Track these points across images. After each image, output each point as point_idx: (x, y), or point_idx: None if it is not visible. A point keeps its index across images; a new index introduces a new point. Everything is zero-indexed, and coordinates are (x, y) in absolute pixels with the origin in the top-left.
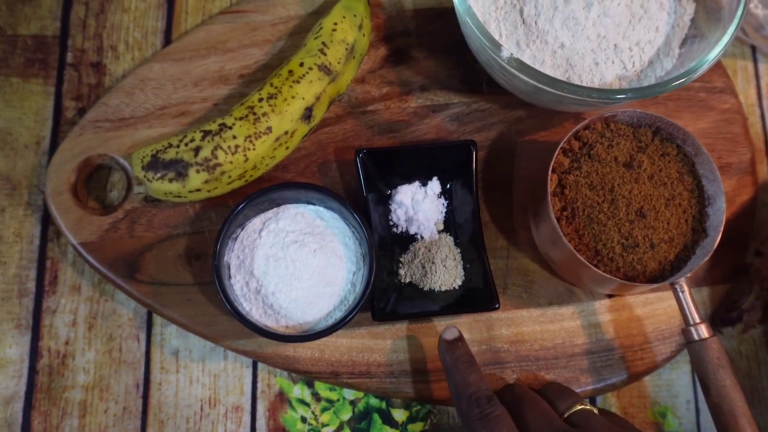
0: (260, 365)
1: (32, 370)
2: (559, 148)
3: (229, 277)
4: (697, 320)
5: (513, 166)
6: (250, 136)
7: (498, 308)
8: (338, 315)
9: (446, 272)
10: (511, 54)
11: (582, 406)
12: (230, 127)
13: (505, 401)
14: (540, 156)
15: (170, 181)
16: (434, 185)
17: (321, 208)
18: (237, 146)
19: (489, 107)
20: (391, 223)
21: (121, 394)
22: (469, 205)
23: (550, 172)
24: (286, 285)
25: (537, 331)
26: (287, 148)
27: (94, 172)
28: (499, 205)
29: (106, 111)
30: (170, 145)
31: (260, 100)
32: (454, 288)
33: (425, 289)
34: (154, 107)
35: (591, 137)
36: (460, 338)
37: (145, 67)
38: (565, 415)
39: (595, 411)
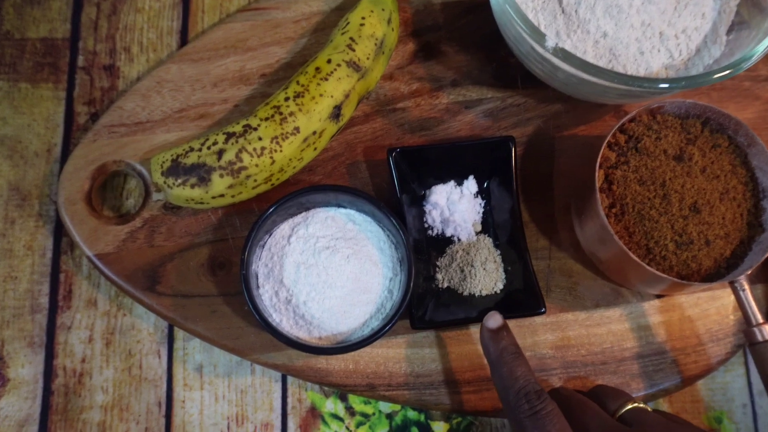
0: (290, 379)
1: (47, 391)
2: (605, 142)
3: (258, 286)
4: (760, 320)
5: (552, 162)
6: (276, 137)
7: (544, 312)
8: (375, 324)
9: (486, 276)
10: (557, 43)
11: (634, 405)
12: (255, 128)
13: None
14: (581, 151)
15: (192, 186)
16: (470, 184)
17: (353, 211)
18: (263, 148)
19: (525, 102)
20: (425, 225)
21: (143, 414)
22: (508, 204)
23: (597, 168)
24: (318, 294)
25: (583, 335)
26: (315, 149)
27: (109, 179)
28: (539, 203)
29: (121, 115)
30: (191, 149)
31: (286, 99)
32: (495, 292)
33: (464, 294)
34: (172, 110)
35: (637, 130)
36: (504, 327)
37: (162, 68)
38: (618, 415)
39: (649, 409)
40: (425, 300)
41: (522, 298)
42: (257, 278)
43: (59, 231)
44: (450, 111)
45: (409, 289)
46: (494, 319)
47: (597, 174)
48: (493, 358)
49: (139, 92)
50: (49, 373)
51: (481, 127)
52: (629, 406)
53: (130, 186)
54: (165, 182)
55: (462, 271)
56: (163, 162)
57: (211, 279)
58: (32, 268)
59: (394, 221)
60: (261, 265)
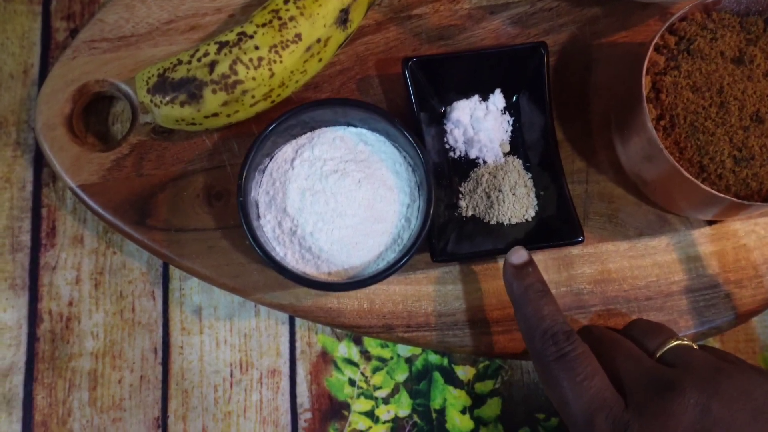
0: (298, 321)
1: (32, 337)
2: (652, 44)
3: (258, 216)
4: None
5: (589, 74)
6: (275, 46)
7: (582, 241)
8: (391, 257)
9: (516, 202)
10: None
11: (677, 342)
12: (251, 36)
13: None
14: (622, 60)
15: (182, 104)
16: (497, 99)
17: (364, 130)
18: (260, 59)
19: (557, 6)
20: (447, 146)
21: (137, 361)
22: (540, 121)
23: (643, 73)
24: (326, 223)
25: (626, 267)
26: (320, 60)
27: (93, 102)
28: (574, 120)
29: (102, 29)
30: (180, 62)
31: (286, 1)
32: (525, 220)
33: (491, 222)
34: (159, 22)
35: (689, 30)
36: (530, 262)
37: None
38: (657, 354)
39: (695, 346)
40: (447, 230)
41: (557, 225)
42: (257, 207)
43: (40, 161)
44: (473, 17)
45: (428, 217)
46: (518, 255)
47: (643, 80)
48: (517, 297)
49: (122, 2)
50: (33, 317)
51: (508, 35)
52: (672, 344)
53: (116, 110)
54: (152, 101)
55: (488, 197)
56: (149, 78)
57: (207, 211)
58: (11, 203)
59: (411, 140)
60: (261, 192)
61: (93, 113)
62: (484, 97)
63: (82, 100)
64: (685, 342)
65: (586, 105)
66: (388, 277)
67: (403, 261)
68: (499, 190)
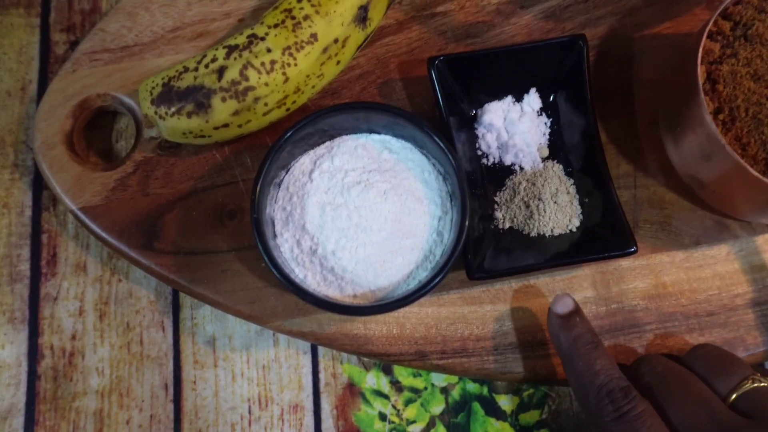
0: (321, 350)
1: (33, 375)
2: (706, 31)
3: (275, 235)
4: None
5: (632, 69)
6: (289, 48)
7: (635, 252)
8: (422, 276)
9: (558, 211)
10: None
11: (753, 384)
12: (263, 38)
13: (643, 384)
14: (667, 53)
15: (189, 115)
16: (532, 99)
17: (388, 137)
18: (273, 62)
19: None
20: (479, 152)
21: (146, 399)
22: (581, 121)
23: (699, 62)
24: (350, 241)
25: (683, 279)
26: (338, 62)
27: (95, 118)
28: (617, 120)
29: (104, 39)
30: (186, 69)
31: (300, 0)
32: (569, 231)
33: (532, 234)
34: (164, 29)
35: (745, 14)
36: (576, 311)
37: None
38: (731, 399)
39: None
40: (483, 244)
41: (605, 236)
42: (273, 225)
43: (39, 184)
44: (502, 13)
45: (464, 230)
46: (563, 303)
47: (699, 70)
48: (565, 350)
49: (123, 10)
50: (34, 353)
51: (541, 30)
52: (747, 387)
53: (120, 126)
54: (156, 113)
55: (527, 206)
56: (153, 87)
57: (219, 231)
58: (9, 229)
59: (441, 144)
60: (277, 208)
61: (95, 130)
62: (519, 98)
63: (83, 116)
64: (763, 384)
65: (630, 103)
66: (419, 299)
67: (437, 280)
68: (539, 199)
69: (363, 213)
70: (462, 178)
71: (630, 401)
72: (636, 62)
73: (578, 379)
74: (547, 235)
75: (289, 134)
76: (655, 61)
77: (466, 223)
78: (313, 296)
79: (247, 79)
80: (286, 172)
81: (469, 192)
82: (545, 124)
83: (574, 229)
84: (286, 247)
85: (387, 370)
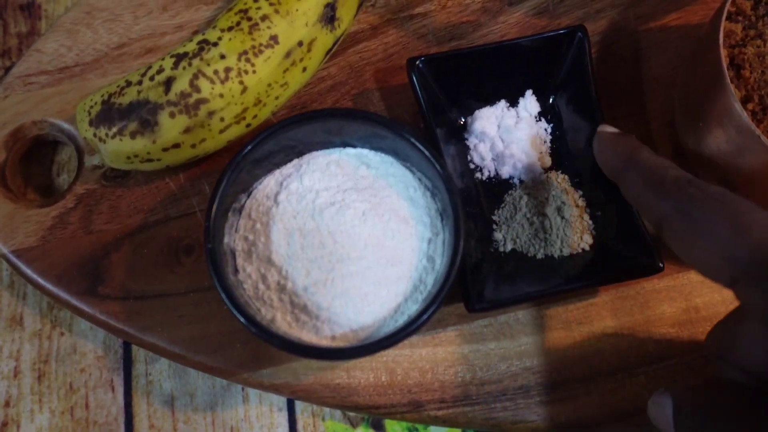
0: (299, 405)
1: None
2: (725, 11)
3: (236, 270)
4: None
5: (639, 65)
6: (245, 53)
7: (662, 270)
8: (412, 309)
9: (566, 227)
10: None
11: None
12: (215, 44)
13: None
14: (678, 46)
15: (133, 135)
16: (529, 103)
17: (365, 151)
18: (228, 70)
19: None
20: (472, 165)
21: None
22: (587, 124)
23: (720, 45)
24: (324, 272)
25: (717, 302)
26: (304, 69)
27: (32, 149)
28: (627, 122)
29: (40, 60)
30: (129, 83)
31: None
32: (582, 250)
33: (538, 256)
34: (109, 47)
35: None
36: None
37: None
38: None
39: None
40: (483, 270)
41: (623, 253)
42: (234, 258)
43: None
44: (488, 11)
45: (458, 253)
46: (609, 127)
47: (722, 54)
48: (622, 160)
49: (62, 28)
50: None
51: (533, 28)
52: None
53: (61, 157)
54: (96, 135)
55: (531, 224)
56: (92, 106)
57: (175, 270)
58: None
59: (427, 154)
60: (238, 238)
61: (33, 163)
62: (513, 102)
63: (17, 147)
64: None
65: (641, 102)
66: (410, 337)
67: (429, 313)
68: (543, 214)
69: (339, 239)
70: (454, 192)
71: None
72: (643, 58)
73: (647, 177)
74: (555, 256)
75: (248, 150)
76: (665, 56)
77: (461, 244)
78: (283, 340)
79: (198, 90)
80: (248, 196)
81: (463, 209)
82: (545, 130)
83: (587, 248)
84: (250, 283)
85: (377, 426)
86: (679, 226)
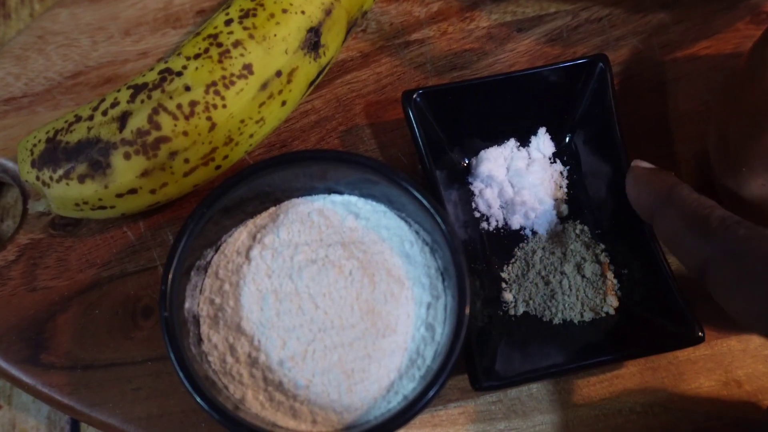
0: None
1: None
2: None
3: (200, 340)
4: None
5: (665, 100)
6: (215, 84)
7: (702, 340)
8: (408, 388)
9: (588, 287)
10: None
11: None
12: (179, 73)
13: None
14: (709, 78)
15: (81, 179)
16: (542, 142)
17: (354, 198)
18: (194, 104)
19: (609, 13)
20: (477, 214)
21: None
22: (609, 168)
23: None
24: (304, 344)
25: (762, 373)
26: (284, 103)
27: None
28: (653, 164)
29: None
30: (78, 118)
31: (228, 22)
32: (605, 314)
33: (555, 322)
34: (62, 75)
35: None
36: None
37: (46, 16)
38: None
39: None
40: (491, 338)
41: (654, 320)
42: (198, 324)
43: None
44: (494, 38)
45: (463, 321)
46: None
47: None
48: (661, 197)
49: (11, 54)
50: None
51: (545, 57)
52: None
53: (6, 201)
54: (39, 178)
55: (546, 283)
56: (35, 145)
57: (130, 335)
58: None
59: (426, 204)
60: (203, 301)
61: None
62: (524, 141)
63: None
64: None
65: (668, 142)
66: (408, 423)
67: (430, 395)
68: (561, 272)
69: (321, 303)
70: (457, 250)
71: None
72: (670, 91)
73: (692, 214)
74: (576, 321)
75: (215, 197)
76: (694, 89)
77: (467, 312)
78: (252, 429)
79: (158, 127)
80: (215, 252)
81: (468, 269)
82: (561, 173)
83: (611, 312)
84: (216, 355)
85: None
86: (727, 273)
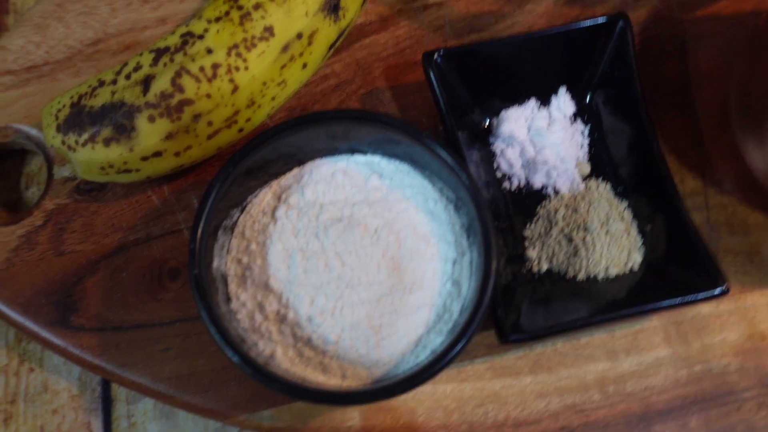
0: None
1: None
2: None
3: (228, 298)
4: None
5: (686, 59)
6: (236, 47)
7: (727, 292)
8: (436, 342)
9: (612, 244)
10: None
11: None
12: (201, 36)
13: None
14: (730, 37)
15: (107, 142)
16: (563, 102)
17: (377, 158)
18: (216, 66)
19: None
20: (498, 174)
21: None
22: (630, 126)
23: None
24: (332, 300)
25: None
26: (305, 65)
27: None
28: (674, 124)
29: (4, 59)
30: (101, 83)
31: None
32: (630, 270)
33: (579, 278)
34: (83, 43)
35: None
36: None
37: None
38: None
39: None
40: (516, 294)
41: (677, 273)
42: (226, 283)
43: None
44: (513, 0)
45: (490, 275)
46: None
47: None
48: None
49: (30, 22)
50: None
51: (565, 18)
52: None
53: (30, 168)
54: (64, 143)
55: (570, 240)
56: (59, 110)
57: (158, 297)
58: None
59: (450, 161)
60: (230, 261)
61: (0, 177)
62: (545, 101)
63: None
64: None
65: (688, 101)
66: (436, 376)
67: (458, 348)
68: (585, 230)
69: (348, 261)
70: (482, 206)
71: None
72: (690, 51)
73: None
74: (600, 277)
75: (240, 158)
76: (715, 48)
77: (494, 266)
78: (285, 383)
79: (181, 90)
80: (241, 212)
81: (494, 225)
82: (582, 132)
83: (636, 267)
84: (245, 313)
85: None
86: None
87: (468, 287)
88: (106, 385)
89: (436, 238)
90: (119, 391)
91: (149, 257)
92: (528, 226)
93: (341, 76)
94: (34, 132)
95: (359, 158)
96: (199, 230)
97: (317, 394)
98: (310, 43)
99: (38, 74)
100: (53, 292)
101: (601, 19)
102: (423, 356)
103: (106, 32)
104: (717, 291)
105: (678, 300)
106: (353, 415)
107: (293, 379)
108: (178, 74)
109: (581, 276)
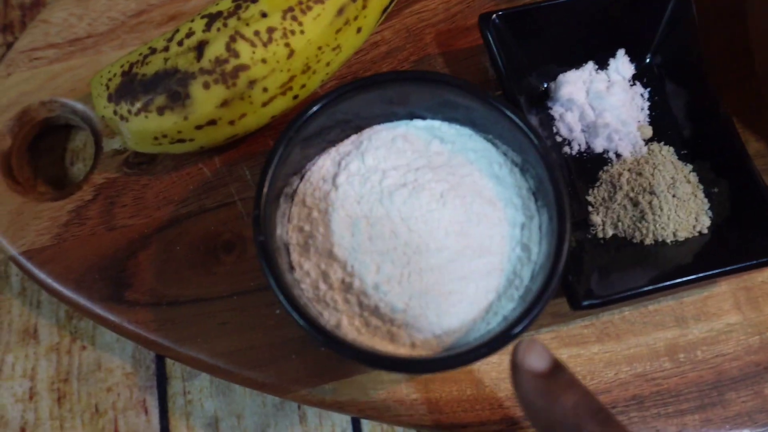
0: (367, 425)
1: None
2: None
3: (291, 267)
4: None
5: (745, 21)
6: (291, 10)
7: None
8: (508, 308)
9: (680, 207)
10: None
11: None
12: (254, 0)
13: None
14: None
15: (160, 111)
16: (621, 64)
17: (437, 123)
18: (271, 30)
19: None
20: (558, 138)
21: None
22: (690, 89)
23: None
24: (398, 267)
25: None
26: (359, 30)
27: (42, 134)
28: (735, 87)
29: (46, 32)
30: (153, 51)
31: None
32: (698, 233)
33: (646, 242)
34: (125, 14)
35: None
36: (558, 365)
37: None
38: None
39: None
40: (582, 262)
41: (747, 236)
42: (288, 252)
43: None
44: None
45: (565, 239)
46: (536, 354)
47: None
48: (565, 423)
49: None
50: None
51: None
52: None
53: (75, 144)
54: (116, 112)
55: (635, 204)
56: (110, 79)
57: (213, 270)
58: None
59: (518, 121)
60: (292, 230)
61: (44, 151)
62: (603, 64)
63: (24, 131)
64: None
65: (749, 64)
66: (509, 344)
67: (533, 314)
68: (651, 192)
69: (414, 226)
70: (553, 167)
71: None
72: (750, 12)
73: None
74: (668, 241)
75: (299, 125)
76: None
77: (568, 228)
78: (357, 350)
79: (236, 55)
80: (301, 180)
81: (566, 187)
82: (641, 95)
83: (704, 231)
84: (308, 282)
85: None
86: None
87: (538, 252)
88: (160, 362)
89: (503, 202)
90: (174, 368)
91: (203, 230)
92: (591, 191)
93: (392, 43)
94: (79, 106)
95: (419, 123)
96: (263, 196)
97: (389, 361)
98: (364, 7)
99: (82, 47)
100: (106, 268)
101: None
102: (494, 323)
103: (150, 3)
104: None
105: (748, 263)
106: (417, 387)
107: (363, 347)
108: (232, 39)
109: (648, 240)
